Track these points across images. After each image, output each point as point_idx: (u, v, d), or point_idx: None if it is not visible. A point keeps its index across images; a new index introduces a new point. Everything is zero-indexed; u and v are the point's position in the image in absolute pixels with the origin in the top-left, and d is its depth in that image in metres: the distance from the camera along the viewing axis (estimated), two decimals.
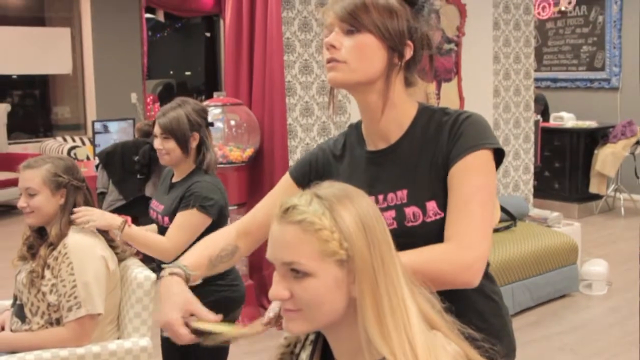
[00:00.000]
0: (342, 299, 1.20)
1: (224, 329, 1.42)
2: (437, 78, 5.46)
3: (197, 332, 1.44)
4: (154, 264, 2.90)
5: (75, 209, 2.72)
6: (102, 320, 2.70)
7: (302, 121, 4.68)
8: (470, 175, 1.51)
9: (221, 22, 11.05)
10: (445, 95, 5.53)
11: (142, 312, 2.72)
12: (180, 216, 2.76)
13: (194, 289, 2.85)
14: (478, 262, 1.47)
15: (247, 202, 4.74)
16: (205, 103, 4.63)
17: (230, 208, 4.51)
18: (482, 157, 1.53)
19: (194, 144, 2.87)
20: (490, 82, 5.83)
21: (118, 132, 7.00)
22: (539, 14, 8.35)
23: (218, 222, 2.83)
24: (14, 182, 8.01)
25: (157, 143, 2.86)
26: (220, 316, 1.48)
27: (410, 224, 1.56)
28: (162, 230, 2.85)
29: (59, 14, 10.44)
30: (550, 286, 5.14)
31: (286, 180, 1.80)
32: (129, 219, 2.76)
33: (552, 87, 9.45)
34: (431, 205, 1.55)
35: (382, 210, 1.55)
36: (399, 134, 1.63)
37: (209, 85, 11.96)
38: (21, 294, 2.69)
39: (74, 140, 9.24)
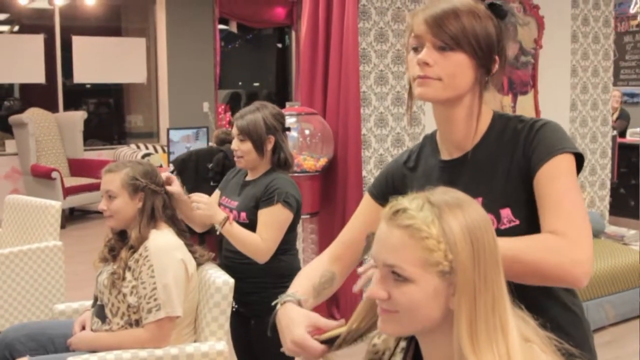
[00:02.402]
0: (439, 308, 1.18)
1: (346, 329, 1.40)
2: (513, 91, 5.38)
3: (327, 342, 1.41)
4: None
5: (193, 196, 2.82)
6: (180, 323, 2.74)
7: (376, 132, 4.67)
8: (558, 178, 1.48)
9: (293, 33, 11.14)
10: (521, 108, 5.45)
11: (220, 316, 2.75)
12: (266, 213, 2.81)
13: (264, 292, 2.88)
14: (589, 261, 1.40)
15: (320, 211, 4.75)
16: None
17: (303, 217, 4.55)
18: (566, 161, 1.50)
19: (269, 146, 2.91)
20: (567, 95, 5.73)
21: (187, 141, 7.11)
22: (616, 27, 8.17)
23: (295, 219, 2.88)
24: (89, 187, 8.19)
25: (234, 144, 2.91)
26: (342, 320, 1.44)
27: None
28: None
29: (135, 24, 10.67)
30: (626, 305, 4.99)
31: (366, 200, 1.79)
32: (232, 216, 2.81)
33: (629, 102, 9.22)
34: (505, 213, 1.53)
35: None
36: (473, 141, 1.62)
37: (280, 96, 12.05)
38: (102, 294, 2.74)
39: (147, 148, 9.40)
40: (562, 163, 1.49)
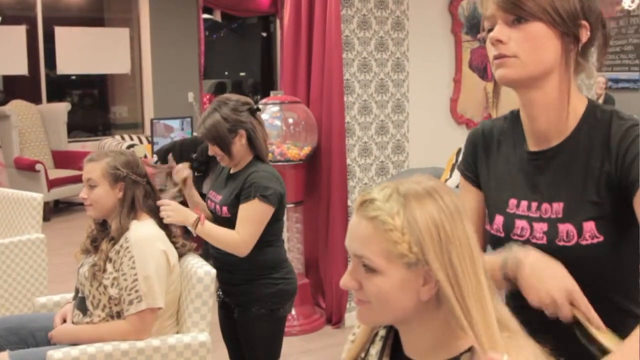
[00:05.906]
0: (409, 299, 1.17)
1: None
2: None
3: None
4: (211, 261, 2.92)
5: (159, 201, 2.77)
6: (161, 314, 2.72)
7: (360, 119, 4.65)
8: None
9: (277, 22, 11.08)
10: (505, 94, 5.42)
11: (202, 307, 2.73)
12: (244, 208, 2.78)
13: (250, 284, 2.87)
14: None
15: (304, 201, 4.73)
16: (264, 101, 4.63)
17: (287, 206, 4.53)
18: None
19: (242, 141, 2.86)
20: None
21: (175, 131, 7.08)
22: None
23: (278, 211, 2.85)
24: (74, 179, 8.13)
25: (211, 150, 2.88)
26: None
27: (561, 244, 1.40)
28: (220, 220, 2.88)
29: (118, 14, 10.58)
30: None
31: (462, 184, 1.66)
32: (202, 216, 2.77)
33: (613, 88, 9.24)
34: (589, 227, 1.38)
35: (534, 220, 1.43)
36: (563, 134, 1.44)
37: (265, 85, 12.01)
38: (83, 286, 2.72)
39: (131, 139, 9.36)
40: None
